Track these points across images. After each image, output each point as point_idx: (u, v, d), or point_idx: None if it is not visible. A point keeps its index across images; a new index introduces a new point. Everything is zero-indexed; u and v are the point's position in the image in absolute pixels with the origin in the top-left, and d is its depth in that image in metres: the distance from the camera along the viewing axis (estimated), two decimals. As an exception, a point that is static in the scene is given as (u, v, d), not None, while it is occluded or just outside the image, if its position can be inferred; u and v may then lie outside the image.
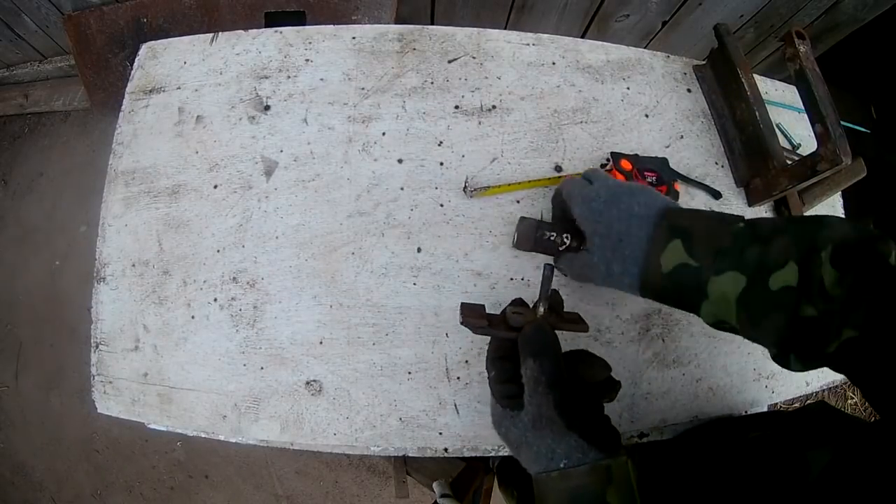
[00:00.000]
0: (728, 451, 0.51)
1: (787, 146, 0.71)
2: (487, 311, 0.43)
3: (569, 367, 0.39)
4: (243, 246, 0.58)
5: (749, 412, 0.61)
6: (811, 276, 0.36)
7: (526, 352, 0.39)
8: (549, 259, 0.53)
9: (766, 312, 0.37)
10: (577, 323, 0.44)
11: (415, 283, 0.57)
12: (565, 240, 0.49)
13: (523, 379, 0.39)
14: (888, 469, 0.33)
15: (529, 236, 0.50)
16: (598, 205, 0.45)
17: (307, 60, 0.64)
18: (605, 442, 0.38)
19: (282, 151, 0.61)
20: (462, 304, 0.42)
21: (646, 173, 0.60)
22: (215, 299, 0.57)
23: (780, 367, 0.41)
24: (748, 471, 0.45)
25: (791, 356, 0.39)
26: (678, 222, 0.42)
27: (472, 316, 0.41)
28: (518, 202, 0.60)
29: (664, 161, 0.63)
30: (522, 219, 0.51)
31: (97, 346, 0.58)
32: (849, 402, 1.54)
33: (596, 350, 0.39)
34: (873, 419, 0.40)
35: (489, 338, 0.43)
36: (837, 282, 0.35)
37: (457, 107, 0.63)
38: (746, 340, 0.42)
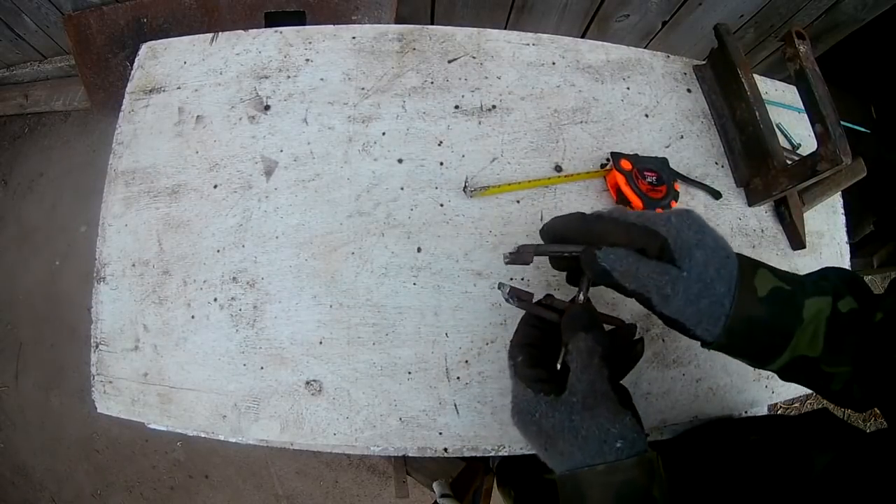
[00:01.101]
0: (729, 452, 0.51)
1: (787, 146, 0.71)
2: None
3: None
4: (243, 246, 0.58)
5: (749, 412, 0.61)
6: (867, 296, 0.40)
7: (577, 326, 0.37)
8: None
9: (843, 333, 0.38)
10: (612, 316, 0.43)
11: (415, 283, 0.57)
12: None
13: (569, 356, 0.36)
14: (889, 466, 0.34)
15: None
16: (695, 226, 0.38)
17: (307, 60, 0.64)
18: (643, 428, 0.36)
19: (282, 151, 0.61)
20: (505, 283, 0.41)
21: (646, 173, 0.60)
22: (215, 299, 0.57)
23: None
24: (751, 469, 0.45)
25: (854, 386, 0.39)
26: (751, 259, 0.39)
27: (520, 293, 0.40)
28: (518, 202, 0.60)
29: (664, 161, 0.63)
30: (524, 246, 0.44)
31: (97, 346, 0.58)
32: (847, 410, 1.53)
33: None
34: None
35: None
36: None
37: (457, 107, 0.63)
38: None
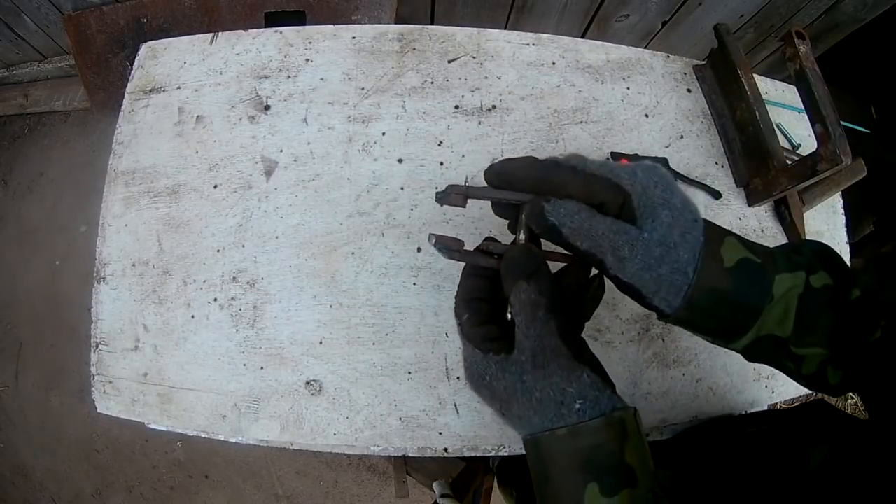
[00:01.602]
0: (726, 444, 0.51)
1: (787, 146, 0.71)
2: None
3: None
4: (243, 246, 0.58)
5: (749, 412, 0.61)
6: (843, 273, 0.36)
7: (516, 274, 0.32)
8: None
9: (816, 311, 0.35)
10: (560, 253, 0.36)
11: (415, 283, 0.57)
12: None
13: (513, 309, 0.32)
14: (882, 462, 0.34)
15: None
16: (663, 183, 0.34)
17: (307, 60, 0.64)
18: (610, 382, 0.33)
19: (282, 151, 0.61)
20: (434, 234, 0.35)
21: (646, 173, 0.60)
22: (215, 299, 0.57)
23: None
24: (748, 463, 0.45)
25: (829, 369, 0.36)
26: (719, 226, 0.36)
27: (448, 241, 0.35)
28: (518, 202, 0.60)
29: (664, 161, 0.63)
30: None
31: (97, 346, 0.58)
32: (849, 402, 1.54)
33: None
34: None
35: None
36: (865, 272, 0.36)
37: (457, 107, 0.63)
38: None
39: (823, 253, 0.37)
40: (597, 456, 0.30)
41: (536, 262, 0.33)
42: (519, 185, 0.34)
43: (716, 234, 0.33)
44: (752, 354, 0.37)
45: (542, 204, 0.31)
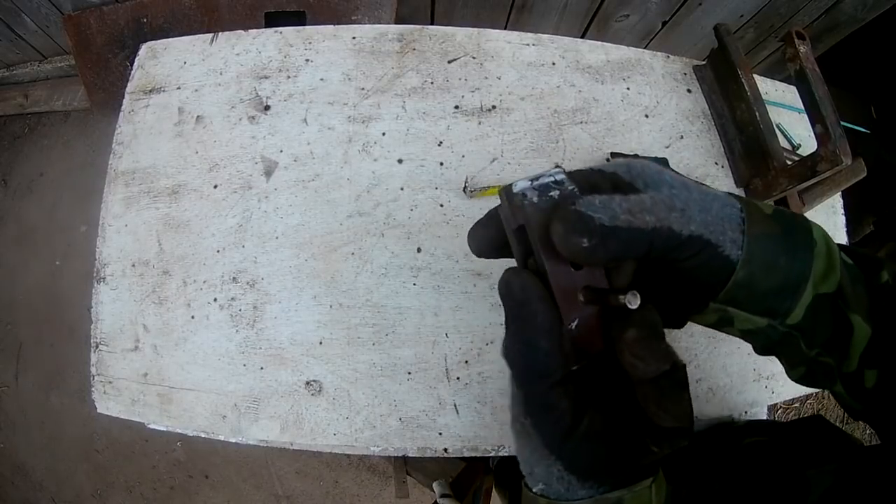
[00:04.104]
0: (724, 455, 0.50)
1: (787, 146, 0.71)
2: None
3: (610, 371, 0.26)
4: (243, 246, 0.58)
5: (749, 412, 0.60)
6: (863, 256, 0.34)
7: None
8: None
9: (852, 281, 0.32)
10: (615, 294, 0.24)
11: (415, 284, 0.57)
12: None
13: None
14: (890, 497, 0.32)
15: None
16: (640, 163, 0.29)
17: (307, 60, 0.64)
18: (614, 474, 0.26)
19: (282, 151, 0.61)
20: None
21: (646, 173, 0.60)
22: (215, 299, 0.57)
23: (780, 367, 0.40)
24: (746, 481, 0.44)
25: (865, 371, 0.32)
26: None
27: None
28: (518, 202, 0.60)
29: (664, 161, 0.63)
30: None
31: (97, 346, 0.58)
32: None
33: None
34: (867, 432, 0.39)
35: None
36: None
37: (457, 107, 0.63)
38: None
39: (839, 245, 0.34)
40: None
41: (521, 299, 0.25)
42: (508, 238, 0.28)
43: (747, 199, 0.29)
44: (808, 325, 0.30)
45: (571, 208, 0.23)
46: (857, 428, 1.48)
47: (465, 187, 0.59)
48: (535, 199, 0.25)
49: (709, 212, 0.26)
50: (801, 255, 0.29)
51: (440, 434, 0.54)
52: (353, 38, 0.65)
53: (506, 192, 0.26)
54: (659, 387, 0.25)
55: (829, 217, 0.70)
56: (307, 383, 0.54)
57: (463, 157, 0.61)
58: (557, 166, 0.29)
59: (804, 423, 0.50)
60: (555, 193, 0.25)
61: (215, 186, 0.60)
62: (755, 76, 0.64)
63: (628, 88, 0.67)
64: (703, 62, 0.70)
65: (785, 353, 0.32)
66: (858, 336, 0.31)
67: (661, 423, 0.25)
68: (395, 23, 1.11)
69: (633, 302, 0.22)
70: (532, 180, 0.25)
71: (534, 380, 0.25)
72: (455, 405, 0.54)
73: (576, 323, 0.25)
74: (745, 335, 0.31)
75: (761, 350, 0.33)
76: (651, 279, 0.28)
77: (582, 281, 0.25)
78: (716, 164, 0.66)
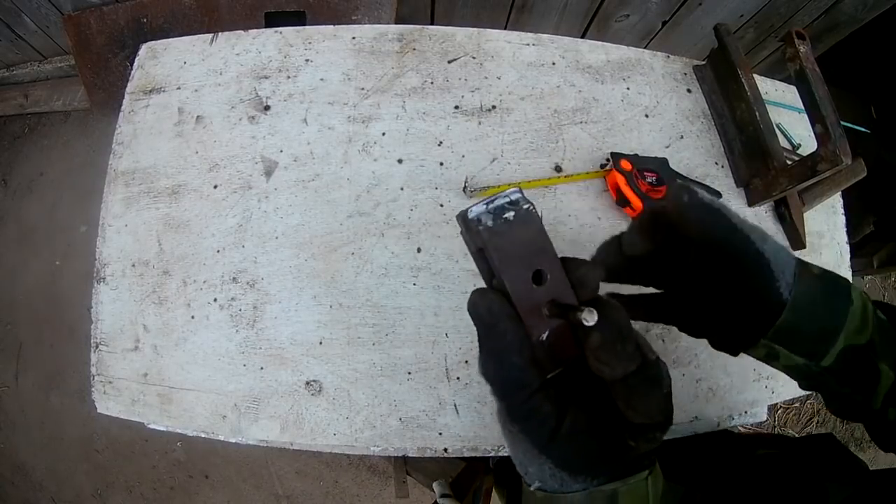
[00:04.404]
0: (736, 465, 0.50)
1: (787, 146, 0.71)
2: None
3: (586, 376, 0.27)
4: (243, 246, 0.58)
5: (749, 412, 0.60)
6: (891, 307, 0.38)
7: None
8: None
9: (888, 327, 0.36)
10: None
11: (415, 284, 0.57)
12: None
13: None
14: None
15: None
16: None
17: (307, 60, 0.64)
18: (604, 468, 0.27)
19: (282, 151, 0.61)
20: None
21: (646, 173, 0.60)
22: (215, 299, 0.57)
23: None
24: (762, 488, 0.44)
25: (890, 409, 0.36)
26: None
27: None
28: (518, 202, 0.60)
29: (664, 161, 0.63)
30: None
31: (97, 346, 0.58)
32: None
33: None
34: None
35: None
36: None
37: (457, 107, 0.63)
38: None
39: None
40: None
41: (491, 315, 0.26)
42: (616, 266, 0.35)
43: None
44: (839, 368, 0.35)
45: (681, 192, 0.33)
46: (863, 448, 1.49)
47: (465, 187, 0.59)
48: (489, 223, 0.26)
49: (777, 253, 0.33)
50: (838, 310, 0.34)
51: (440, 434, 0.54)
52: (353, 38, 0.65)
53: (462, 217, 0.27)
54: (628, 386, 0.26)
55: (829, 217, 0.70)
56: (307, 383, 0.54)
57: (463, 157, 0.61)
58: (515, 186, 0.31)
59: (815, 440, 0.50)
60: (510, 214, 0.26)
61: (215, 186, 0.60)
62: (755, 76, 0.65)
63: (628, 88, 0.67)
64: (703, 62, 0.70)
65: (821, 389, 0.38)
66: (885, 381, 0.35)
67: (633, 419, 0.26)
68: (395, 23, 1.11)
69: (590, 319, 0.24)
70: (487, 203, 0.27)
71: (513, 392, 0.26)
72: (455, 405, 0.54)
73: (546, 334, 0.27)
74: (788, 370, 0.36)
75: (805, 385, 0.38)
76: (715, 307, 0.34)
77: (546, 296, 0.26)
78: (716, 163, 0.66)
